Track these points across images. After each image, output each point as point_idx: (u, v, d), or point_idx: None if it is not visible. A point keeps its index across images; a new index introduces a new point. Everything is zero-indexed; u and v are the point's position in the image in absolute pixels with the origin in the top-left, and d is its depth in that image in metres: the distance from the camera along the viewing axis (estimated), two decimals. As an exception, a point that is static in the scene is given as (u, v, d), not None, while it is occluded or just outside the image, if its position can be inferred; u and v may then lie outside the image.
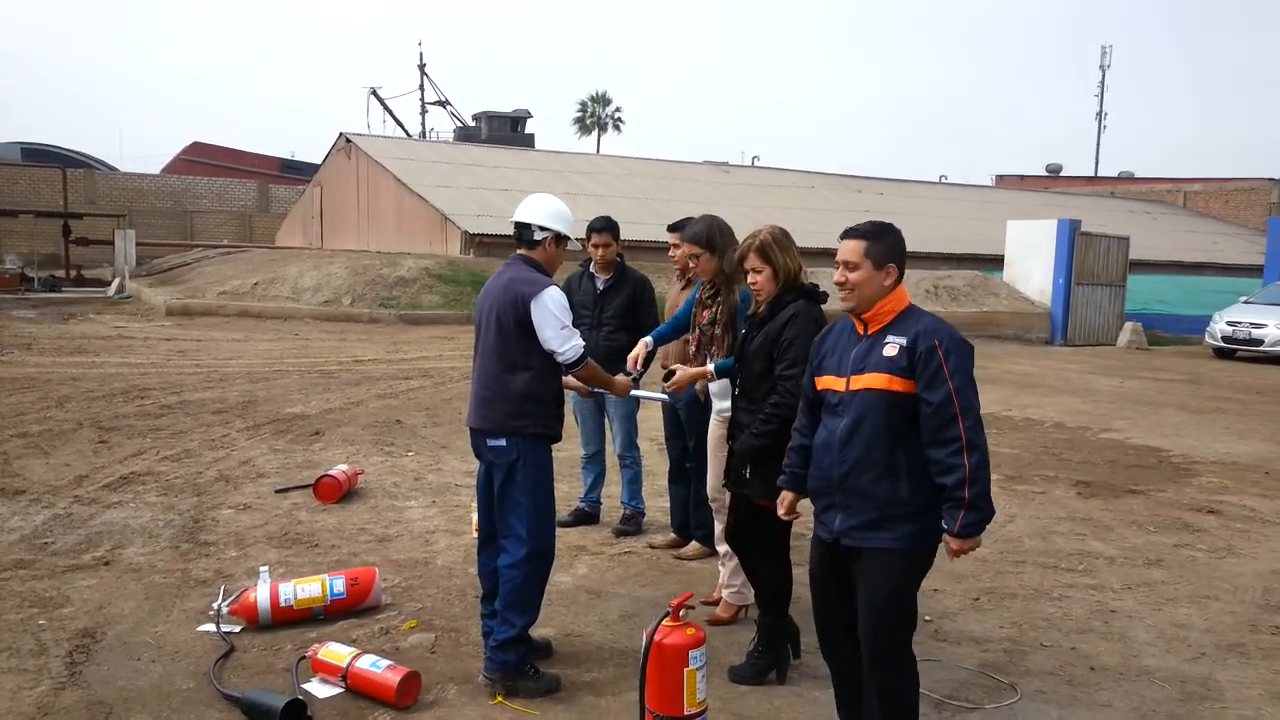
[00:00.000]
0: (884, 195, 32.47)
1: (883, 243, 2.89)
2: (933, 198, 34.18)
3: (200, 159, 41.63)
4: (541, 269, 3.73)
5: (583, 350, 3.67)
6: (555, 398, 3.74)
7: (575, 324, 5.42)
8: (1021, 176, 47.32)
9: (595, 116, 57.84)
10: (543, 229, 3.71)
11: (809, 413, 3.05)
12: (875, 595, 2.81)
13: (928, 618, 4.33)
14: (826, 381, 2.95)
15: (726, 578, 4.26)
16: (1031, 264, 20.77)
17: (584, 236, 5.33)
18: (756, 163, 39.32)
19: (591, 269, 5.53)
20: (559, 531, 5.45)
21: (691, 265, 4.41)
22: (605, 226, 5.42)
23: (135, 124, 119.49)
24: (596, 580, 4.76)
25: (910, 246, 3.07)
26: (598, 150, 51.38)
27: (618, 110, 58.63)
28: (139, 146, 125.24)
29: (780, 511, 3.16)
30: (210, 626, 4.01)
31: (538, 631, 3.89)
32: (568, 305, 3.66)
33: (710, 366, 4.09)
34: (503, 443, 3.62)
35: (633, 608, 4.39)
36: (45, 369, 10.90)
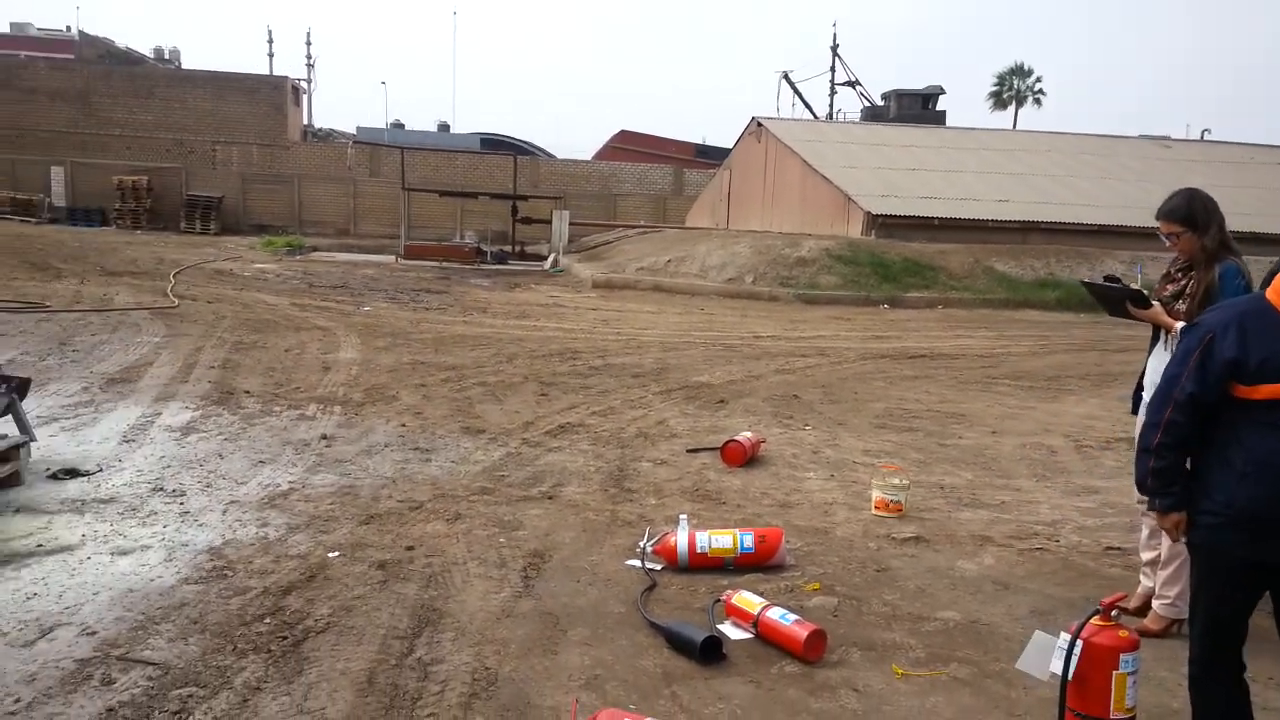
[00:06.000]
0: (1377, 172, 27.02)
1: None
2: None
3: (626, 145, 45.30)
4: None
5: None
6: None
7: None
8: None
9: (1013, 90, 54.22)
10: None
11: (1200, 425, 2.70)
12: None
13: None
14: None
15: (1158, 587, 3.90)
16: None
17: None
18: (1206, 136, 34.56)
19: None
20: (963, 519, 5.36)
21: (1169, 244, 3.93)
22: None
23: (572, 115, 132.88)
24: (1004, 572, 4.57)
25: None
26: (1014, 126, 48.18)
27: (1038, 81, 54.49)
28: (574, 136, 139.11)
29: (1177, 537, 2.83)
30: (635, 562, 4.45)
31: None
32: None
33: (1179, 325, 3.71)
34: None
35: (1045, 605, 4.17)
36: (497, 330, 12.59)
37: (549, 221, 26.28)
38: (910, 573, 4.51)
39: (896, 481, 5.41)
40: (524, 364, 9.93)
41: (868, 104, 44.12)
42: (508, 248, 26.79)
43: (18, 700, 3.02)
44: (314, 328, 11.82)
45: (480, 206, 32.90)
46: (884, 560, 4.66)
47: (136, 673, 3.21)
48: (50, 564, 4.12)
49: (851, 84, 48.40)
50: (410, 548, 4.52)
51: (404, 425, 7.00)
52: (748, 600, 3.73)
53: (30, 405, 5.90)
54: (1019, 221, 22.02)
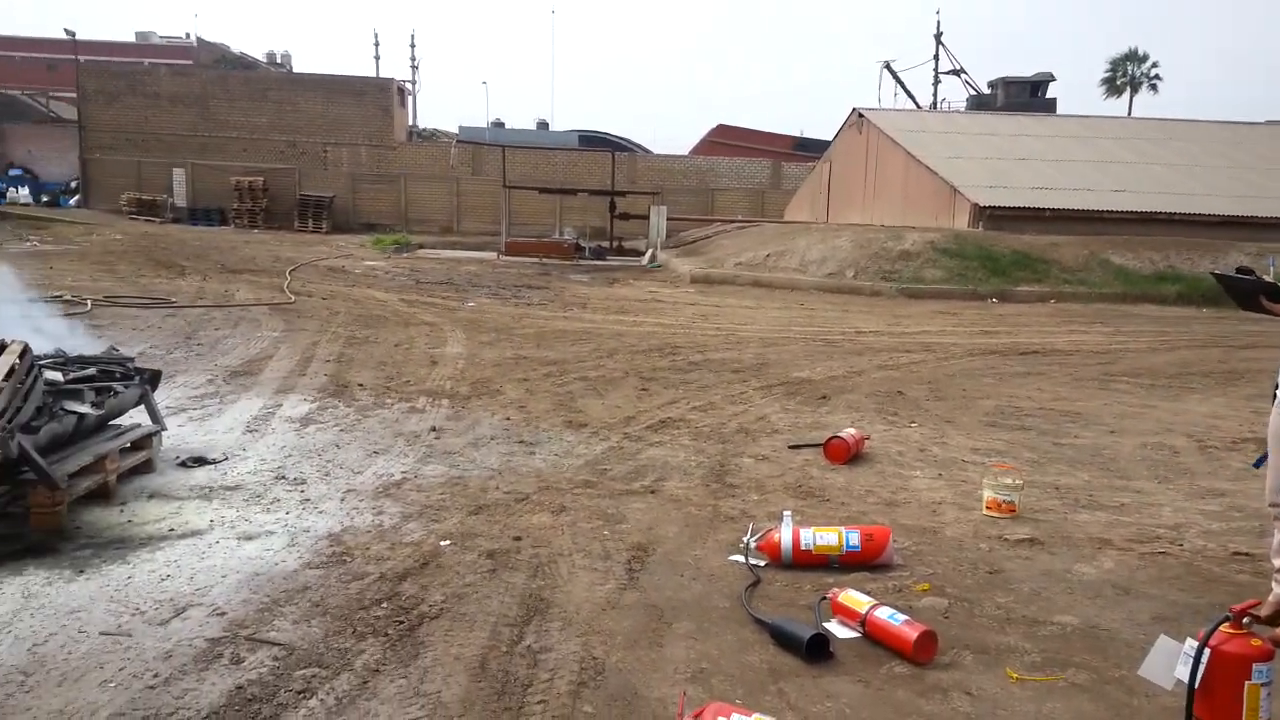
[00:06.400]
0: None
1: None
2: None
3: (724, 140, 45.11)
4: None
5: None
6: None
7: None
8: None
9: (1128, 75, 52.04)
10: None
11: None
12: None
13: None
14: None
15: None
16: None
17: None
18: (1343, 119, 32.44)
19: None
20: (1080, 521, 5.18)
21: None
22: None
23: (669, 111, 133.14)
24: (1125, 576, 4.40)
25: None
26: (1129, 113, 46.25)
27: (1154, 66, 52.14)
28: (671, 131, 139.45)
29: None
30: (739, 557, 4.44)
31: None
32: None
33: None
34: None
35: (1168, 611, 4.00)
36: (597, 325, 12.71)
37: (646, 217, 26.40)
38: (1024, 575, 4.39)
39: (1009, 481, 5.27)
40: (624, 359, 10.01)
41: (973, 92, 42.96)
42: (606, 243, 27.00)
43: (156, 675, 3.20)
44: (421, 323, 12.15)
45: (579, 203, 33.28)
46: (996, 562, 4.55)
47: (263, 652, 3.37)
48: (181, 547, 4.34)
49: (956, 72, 47.22)
50: (518, 538, 4.62)
51: (509, 418, 7.13)
52: (855, 599, 3.69)
53: (160, 396, 6.23)
54: (1136, 212, 21.12)
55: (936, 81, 48.98)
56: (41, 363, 4.92)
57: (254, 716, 2.97)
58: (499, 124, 50.58)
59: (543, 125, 52.57)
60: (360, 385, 8.12)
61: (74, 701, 3.03)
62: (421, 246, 27.48)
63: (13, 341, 4.55)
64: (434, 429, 6.71)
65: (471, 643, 3.50)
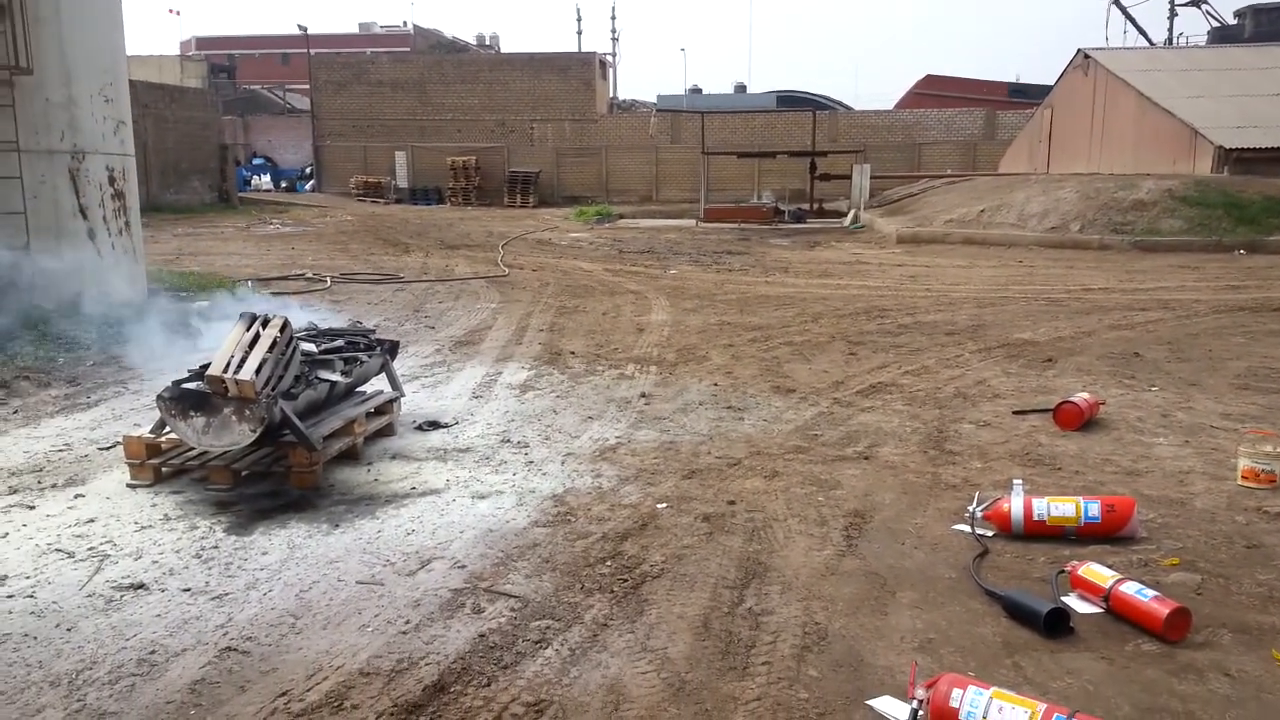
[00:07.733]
0: None
1: None
2: None
3: (931, 91, 43.14)
4: None
5: None
6: None
7: None
8: None
9: None
10: None
11: None
12: None
13: None
14: None
15: None
16: None
17: None
18: None
19: None
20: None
21: None
22: None
23: (869, 65, 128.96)
24: None
25: None
26: None
27: None
28: (874, 86, 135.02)
29: None
30: (964, 527, 4.29)
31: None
32: None
33: None
34: None
35: None
36: (800, 289, 12.53)
37: (848, 177, 25.65)
38: (1289, 552, 3.99)
39: (1269, 449, 4.79)
40: (829, 323, 9.83)
41: (1216, 24, 38.83)
42: (805, 206, 26.50)
43: (407, 622, 3.46)
44: (626, 291, 12.40)
45: (777, 165, 32.80)
46: (1255, 536, 4.16)
47: (501, 604, 3.57)
48: (422, 504, 4.67)
49: (1195, 3, 42.74)
50: (731, 502, 4.65)
51: (716, 384, 7.18)
52: (1097, 573, 3.47)
53: (396, 365, 6.67)
54: None
55: (1172, 15, 44.64)
56: (298, 335, 5.39)
57: (496, 663, 3.16)
58: (696, 90, 50.61)
59: (740, 88, 52.13)
60: (572, 353, 8.40)
61: (338, 643, 3.32)
62: (622, 216, 27.99)
63: (275, 316, 5.01)
64: (644, 395, 6.86)
65: (693, 602, 3.57)
